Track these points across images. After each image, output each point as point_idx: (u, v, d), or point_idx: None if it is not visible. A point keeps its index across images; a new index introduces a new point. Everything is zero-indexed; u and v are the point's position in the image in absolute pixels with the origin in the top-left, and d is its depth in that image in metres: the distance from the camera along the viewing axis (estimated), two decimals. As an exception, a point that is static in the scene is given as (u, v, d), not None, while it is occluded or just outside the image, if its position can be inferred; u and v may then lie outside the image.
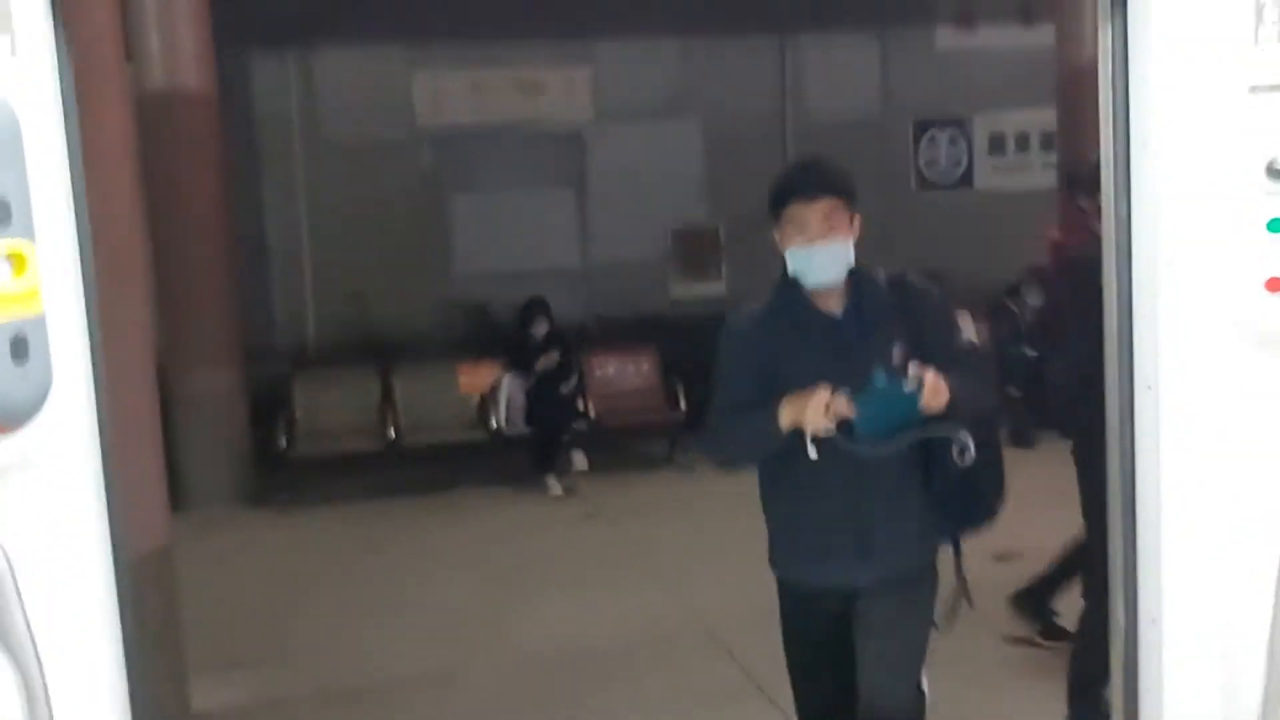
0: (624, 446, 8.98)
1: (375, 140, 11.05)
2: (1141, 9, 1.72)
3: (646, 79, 11.82)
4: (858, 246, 2.71)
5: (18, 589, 1.35)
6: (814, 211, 2.60)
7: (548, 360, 8.39)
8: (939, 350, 2.63)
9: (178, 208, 7.42)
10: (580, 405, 8.74)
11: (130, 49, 6.76)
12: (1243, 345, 1.76)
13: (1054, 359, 3.53)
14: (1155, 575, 1.84)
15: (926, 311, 2.72)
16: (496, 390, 8.50)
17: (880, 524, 2.68)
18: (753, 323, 2.74)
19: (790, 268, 2.68)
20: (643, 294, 11.80)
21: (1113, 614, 1.94)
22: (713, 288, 12.25)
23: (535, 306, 8.59)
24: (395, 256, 11.03)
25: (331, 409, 8.61)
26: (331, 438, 8.38)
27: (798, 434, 2.55)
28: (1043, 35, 11.93)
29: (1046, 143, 12.74)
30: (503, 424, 8.46)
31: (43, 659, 1.43)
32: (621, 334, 10.89)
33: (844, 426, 2.49)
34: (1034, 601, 4.56)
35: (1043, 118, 12.37)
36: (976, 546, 2.83)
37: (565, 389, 8.55)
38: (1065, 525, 4.10)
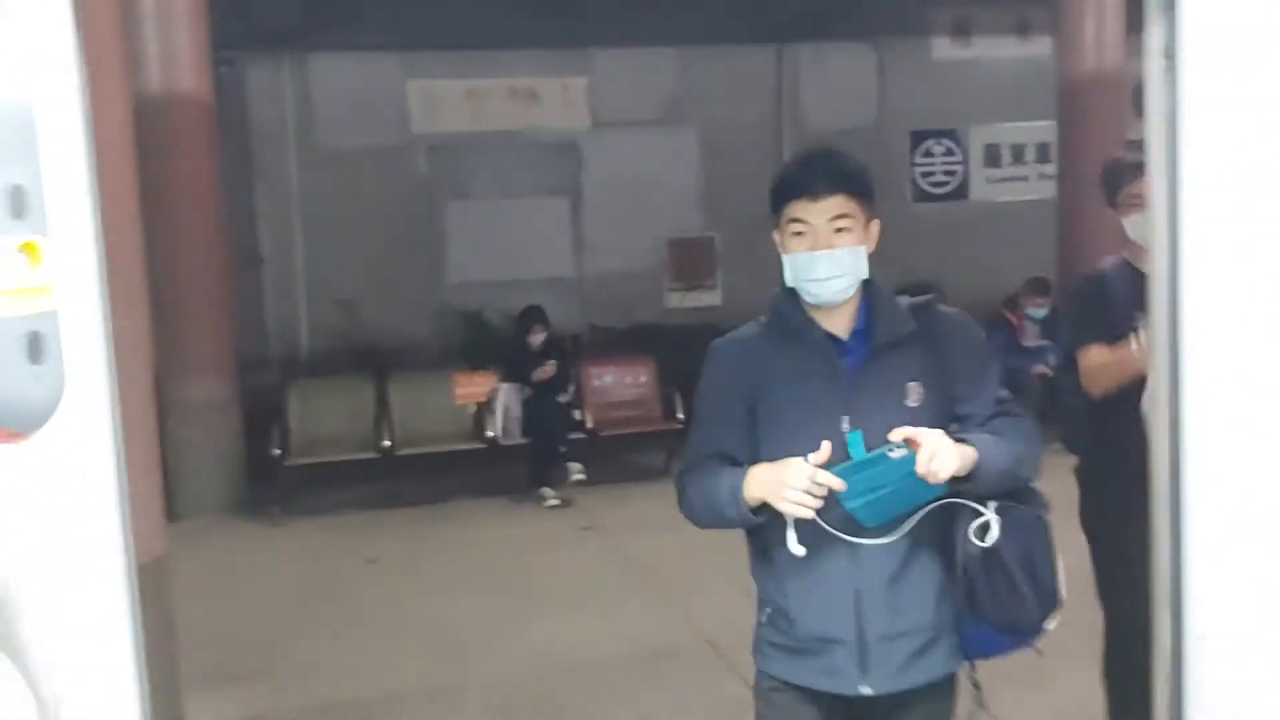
0: (621, 457, 8.91)
1: (370, 147, 11.01)
2: (1195, 5, 1.67)
3: (642, 88, 11.81)
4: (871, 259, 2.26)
5: (32, 604, 1.28)
6: (820, 211, 2.17)
7: (545, 370, 8.32)
8: (967, 397, 2.21)
9: (172, 213, 7.33)
10: (577, 415, 8.67)
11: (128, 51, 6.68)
12: (1294, 354, 1.71)
13: (1069, 374, 3.45)
14: (1206, 591, 1.78)
15: (955, 347, 2.25)
16: (493, 400, 8.42)
17: (883, 622, 2.18)
18: (742, 347, 2.31)
19: (789, 277, 2.23)
20: (637, 303, 11.76)
21: (1157, 629, 1.88)
22: (708, 297, 12.23)
23: (532, 315, 8.52)
24: (389, 264, 10.98)
25: (326, 418, 8.52)
26: (326, 447, 8.29)
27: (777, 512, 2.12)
28: (1039, 48, 11.97)
29: (1042, 155, 12.78)
30: (499, 434, 8.38)
31: (52, 671, 1.35)
32: (616, 343, 10.84)
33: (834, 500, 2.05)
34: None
35: (1038, 130, 12.41)
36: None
37: (562, 399, 8.47)
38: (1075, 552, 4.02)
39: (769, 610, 2.29)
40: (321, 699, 4.81)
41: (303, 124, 11.03)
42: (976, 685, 2.31)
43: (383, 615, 5.85)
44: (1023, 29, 12.39)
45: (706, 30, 11.36)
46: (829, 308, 2.23)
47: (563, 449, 8.37)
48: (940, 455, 1.99)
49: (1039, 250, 10.12)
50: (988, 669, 2.33)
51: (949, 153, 12.95)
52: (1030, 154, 12.96)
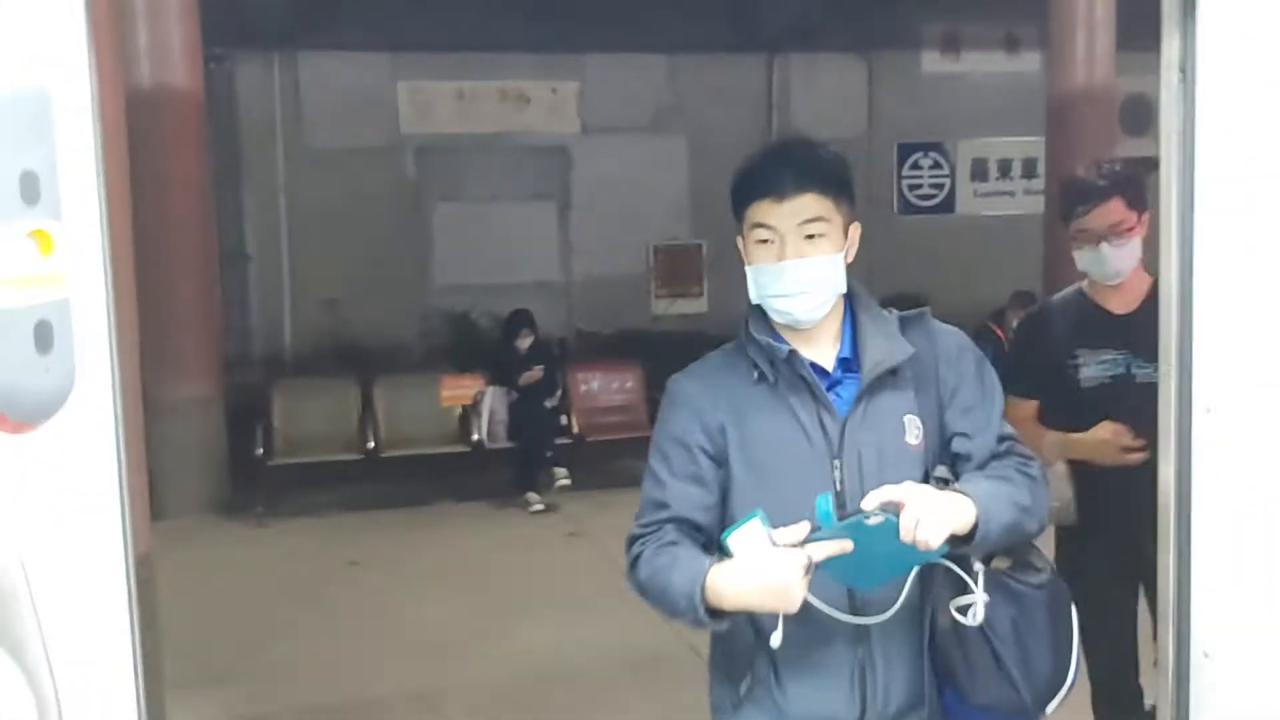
0: (606, 462, 8.88)
1: (359, 147, 10.96)
2: (1214, 17, 1.67)
3: (633, 94, 11.80)
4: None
5: (32, 597, 1.25)
6: (788, 214, 1.83)
7: (532, 374, 8.29)
8: (966, 433, 1.89)
9: (160, 208, 7.27)
10: (564, 420, 8.64)
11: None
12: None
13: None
14: (1211, 607, 1.78)
15: (954, 373, 1.91)
16: (479, 403, 8.38)
17: (892, 696, 1.87)
18: (706, 385, 1.92)
19: (753, 293, 1.90)
20: (624, 309, 11.74)
21: (1161, 647, 1.87)
22: (694, 305, 12.22)
23: (520, 319, 8.49)
24: (376, 265, 10.93)
25: (310, 418, 8.47)
26: (310, 447, 8.23)
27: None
28: (1027, 63, 12.03)
29: (1029, 170, 12.83)
30: (484, 437, 8.34)
31: (51, 666, 1.32)
32: (602, 349, 10.82)
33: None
34: None
35: (1025, 145, 12.47)
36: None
37: (549, 403, 8.45)
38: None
39: (746, 684, 1.91)
40: (302, 702, 4.77)
41: (292, 122, 10.98)
42: None
43: (365, 618, 5.80)
44: (1012, 44, 12.45)
45: (698, 38, 11.37)
46: (805, 331, 1.90)
47: (548, 454, 8.34)
48: (927, 522, 1.67)
49: (1025, 265, 10.15)
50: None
51: (936, 165, 12.99)
52: (1017, 169, 13.01)
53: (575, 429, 8.69)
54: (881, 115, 12.49)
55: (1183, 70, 1.73)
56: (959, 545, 1.75)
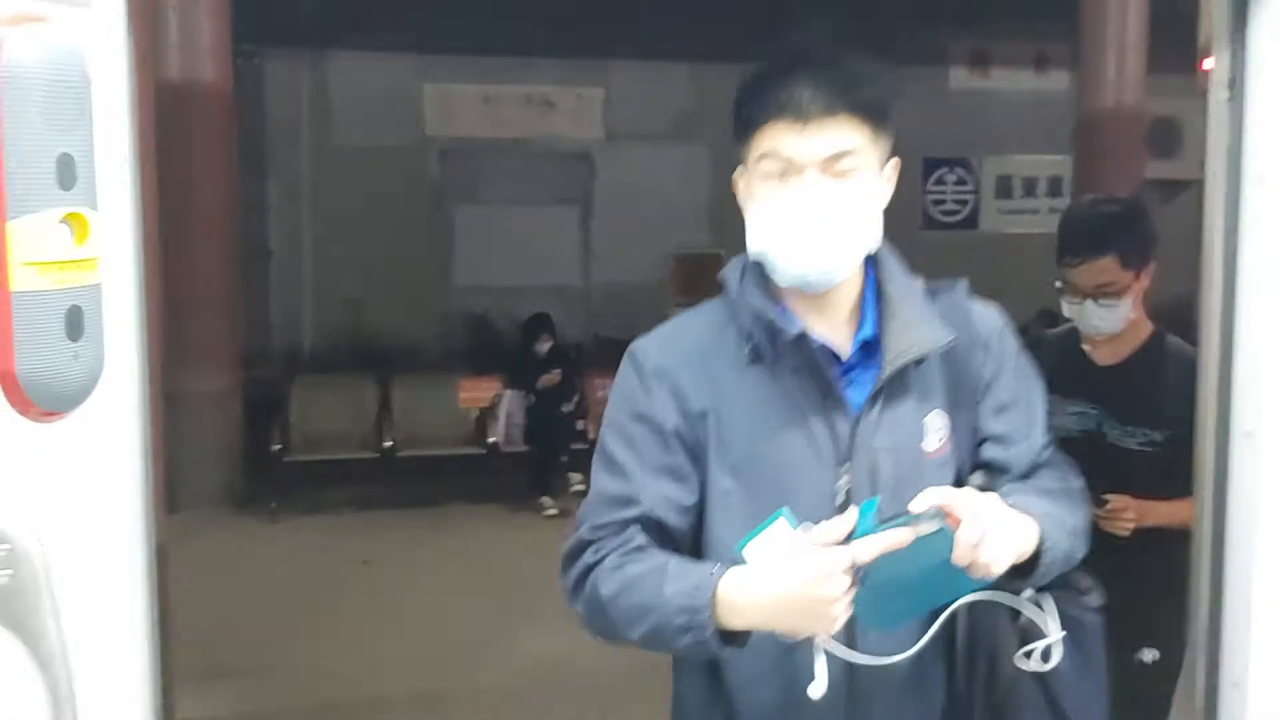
0: (620, 470, 8.87)
1: (383, 147, 10.97)
2: (1268, 33, 1.64)
3: (657, 102, 11.80)
4: None
5: (51, 587, 1.23)
6: (812, 145, 1.41)
7: (549, 378, 8.28)
8: (1004, 439, 1.55)
9: (185, 201, 7.29)
10: (580, 425, 8.62)
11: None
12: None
13: None
14: (1243, 636, 1.74)
15: (992, 361, 1.56)
16: (496, 406, 8.38)
17: None
18: (683, 356, 1.53)
19: (754, 245, 1.49)
20: (642, 316, 11.69)
21: (1193, 675, 1.84)
22: (712, 314, 12.20)
23: (539, 323, 8.49)
24: (397, 265, 10.94)
25: (327, 416, 8.48)
26: (326, 445, 8.25)
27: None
28: (1055, 81, 11.97)
29: (1054, 188, 12.77)
30: (501, 440, 8.34)
31: (67, 655, 1.31)
32: (620, 355, 10.79)
33: None
34: None
35: (1051, 164, 12.40)
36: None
37: (566, 408, 8.43)
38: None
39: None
40: (308, 699, 4.76)
41: (318, 120, 11.01)
42: None
43: (375, 617, 5.79)
44: (1041, 63, 12.39)
45: (723, 48, 11.33)
46: (817, 301, 1.49)
47: (564, 458, 8.32)
48: (994, 538, 1.32)
49: (1048, 284, 10.08)
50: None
51: (960, 181, 12.93)
52: (1042, 187, 12.95)
53: (591, 434, 8.66)
54: (907, 129, 12.34)
55: (1231, 87, 1.70)
56: (1010, 578, 1.40)
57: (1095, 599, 1.57)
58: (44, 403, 1.19)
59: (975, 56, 12.50)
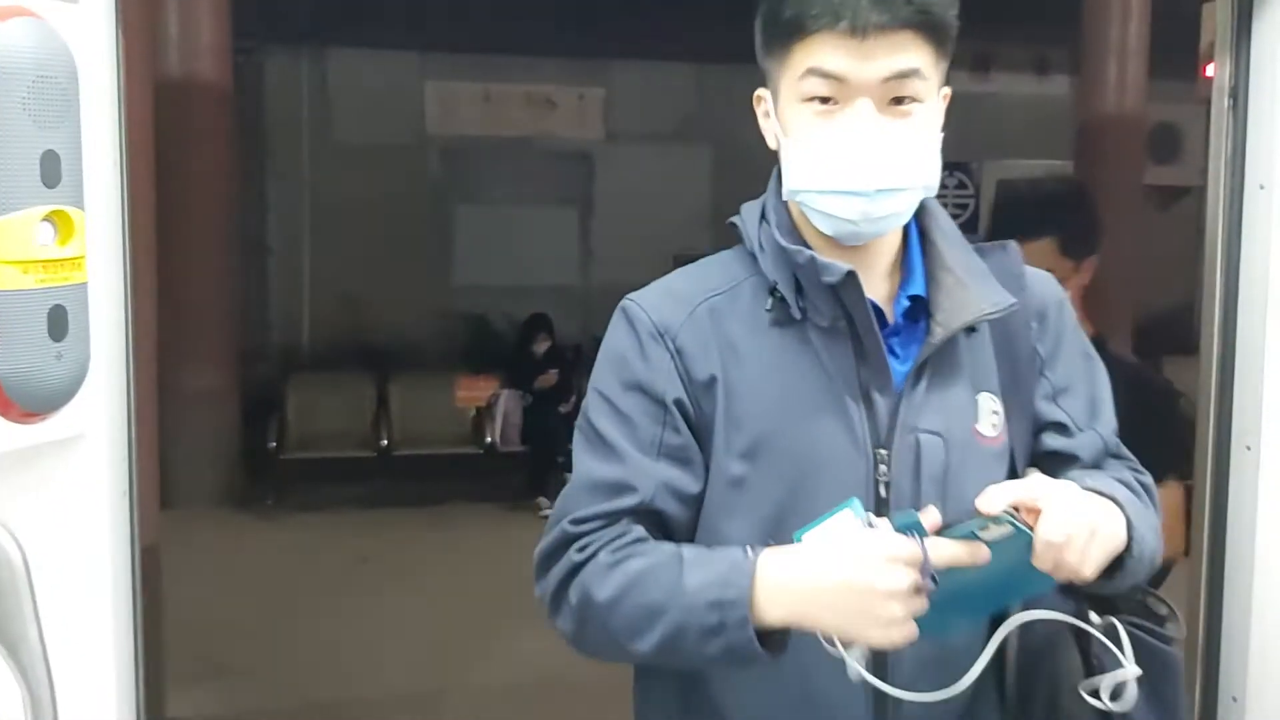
0: (617, 471, 8.86)
1: (383, 145, 10.94)
2: (1269, 42, 1.62)
3: (659, 103, 11.77)
4: None
5: (33, 591, 1.21)
6: (869, 64, 1.18)
7: (547, 377, 8.27)
8: (1069, 427, 1.32)
9: (184, 198, 7.27)
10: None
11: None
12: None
13: None
14: (1241, 650, 1.72)
15: (1049, 334, 1.33)
16: (494, 405, 8.36)
17: None
18: (684, 308, 1.28)
19: (792, 183, 1.25)
20: (641, 318, 11.70)
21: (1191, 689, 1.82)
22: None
23: (537, 323, 8.48)
24: (396, 263, 10.91)
25: (324, 414, 8.47)
26: (322, 443, 8.23)
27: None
28: (1056, 86, 11.94)
29: (1054, 193, 12.77)
30: (497, 440, 8.32)
31: (51, 666, 1.29)
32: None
33: None
34: None
35: (1052, 168, 12.38)
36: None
37: (563, 408, 8.42)
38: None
39: None
40: (303, 699, 4.75)
41: (318, 117, 10.99)
42: None
43: (370, 615, 5.77)
44: (1042, 67, 12.38)
45: (725, 49, 11.29)
46: (850, 247, 1.25)
47: (560, 459, 8.30)
48: (1080, 539, 1.10)
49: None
50: None
51: (961, 185, 12.91)
52: (1043, 192, 12.95)
53: (588, 435, 8.65)
54: (908, 133, 12.43)
55: (1233, 95, 1.69)
56: (1097, 581, 1.17)
57: (1175, 629, 1.33)
58: (25, 403, 1.17)
59: (976, 60, 12.48)
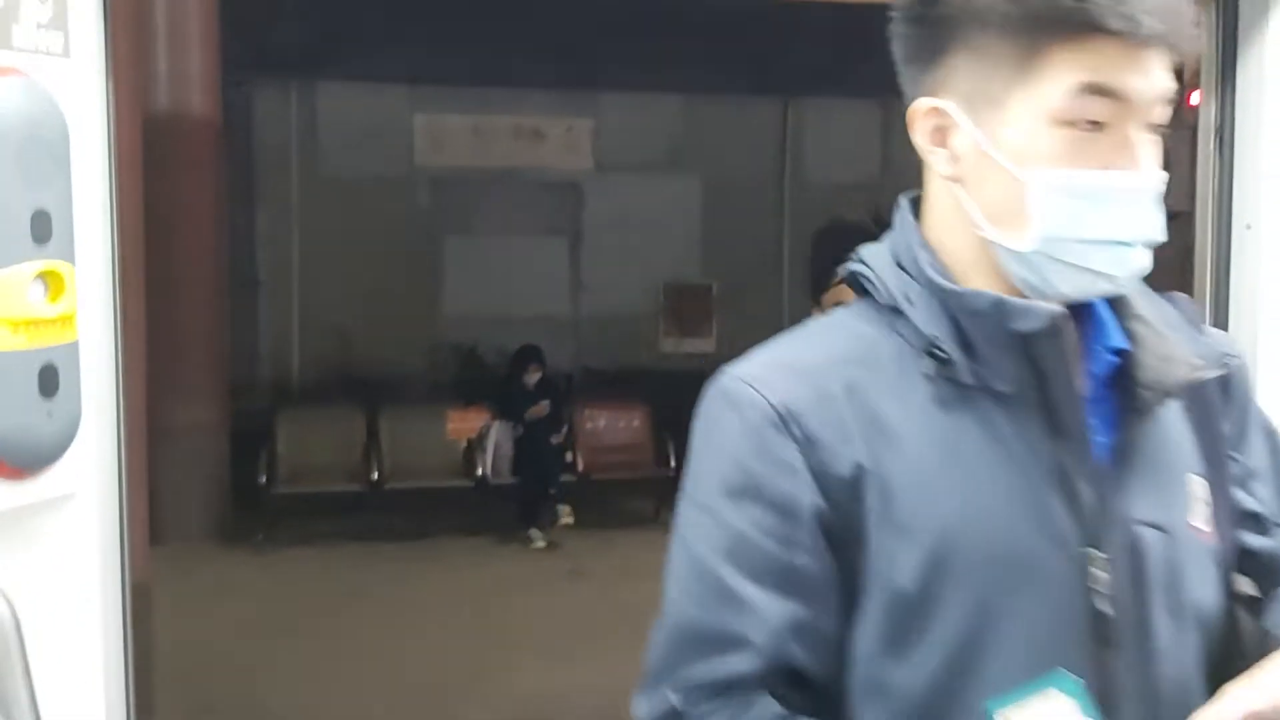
0: (610, 501, 8.82)
1: (373, 177, 10.98)
2: (1254, 83, 1.64)
3: (647, 133, 11.83)
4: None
5: (23, 649, 1.20)
6: (1151, 78, 0.94)
7: (538, 408, 8.26)
8: (1270, 515, 1.08)
9: (174, 233, 7.27)
10: (568, 457, 8.59)
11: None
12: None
13: None
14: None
15: (1235, 404, 1.09)
16: (484, 437, 8.34)
17: None
18: (813, 382, 0.98)
19: (1052, 229, 0.94)
20: (632, 347, 11.71)
21: None
22: (702, 344, 12.18)
23: (528, 354, 8.47)
24: (386, 295, 10.92)
25: (314, 447, 8.43)
26: (313, 477, 8.19)
27: None
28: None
29: (1041, 219, 12.83)
30: (488, 472, 8.29)
31: (36, 707, 1.27)
32: (609, 386, 10.78)
33: None
34: None
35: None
36: None
37: (554, 439, 8.40)
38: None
39: None
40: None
41: (307, 150, 11.02)
42: None
43: (362, 652, 5.73)
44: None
45: (713, 79, 11.41)
46: (1064, 321, 0.96)
47: (552, 490, 8.29)
48: None
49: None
50: None
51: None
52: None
53: (580, 466, 8.63)
54: (895, 160, 12.50)
55: (1219, 134, 1.70)
56: None
57: None
58: (15, 461, 1.17)
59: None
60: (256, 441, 8.33)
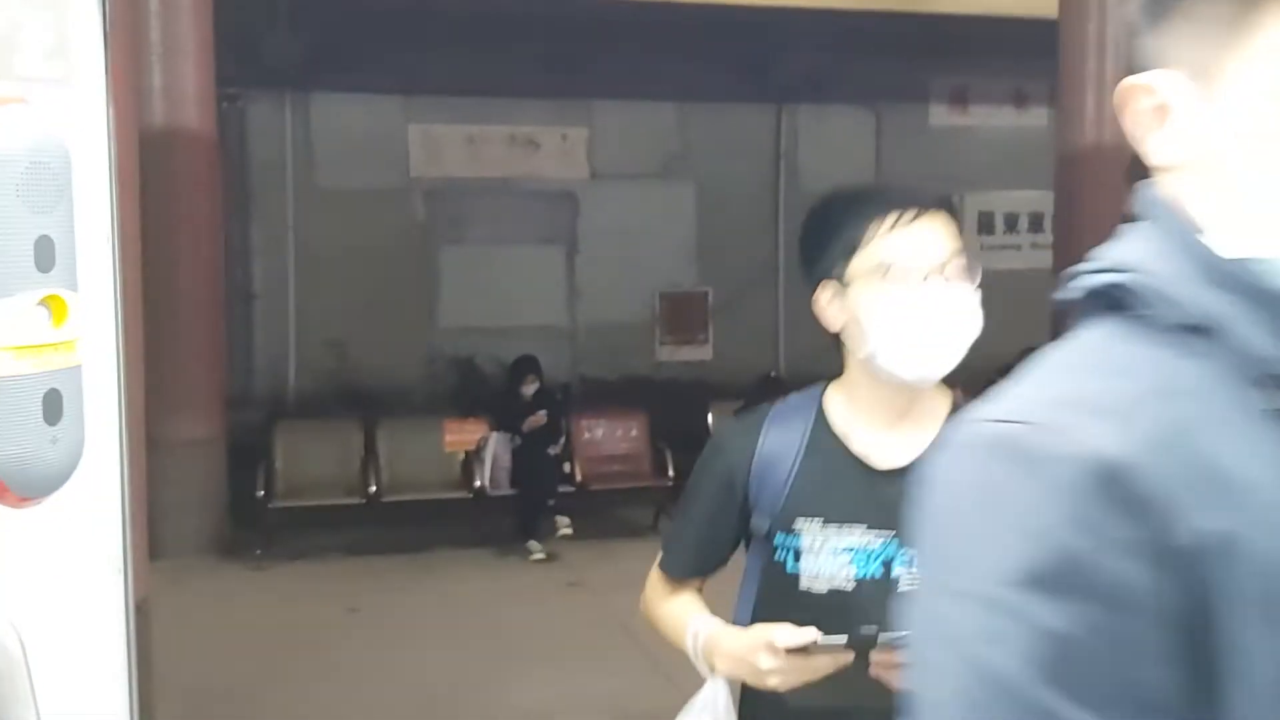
0: (609, 512, 8.82)
1: (368, 189, 10.98)
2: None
3: (642, 141, 11.86)
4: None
5: (31, 680, 1.21)
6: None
7: (536, 419, 8.26)
8: None
9: (170, 248, 7.27)
10: (567, 468, 8.59)
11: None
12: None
13: None
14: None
15: None
16: (482, 449, 8.34)
17: None
18: (1138, 432, 0.68)
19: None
20: (628, 355, 11.72)
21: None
22: (698, 352, 12.19)
23: (525, 365, 8.47)
24: (382, 307, 10.93)
25: (312, 461, 8.43)
26: (310, 490, 8.19)
27: None
28: (1035, 118, 12.08)
29: (1035, 224, 12.84)
30: (486, 484, 8.29)
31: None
32: (606, 395, 10.79)
33: None
34: None
35: (1032, 199, 12.48)
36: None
37: (553, 450, 8.40)
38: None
39: None
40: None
41: (302, 162, 11.02)
42: None
43: (361, 665, 5.73)
44: (1020, 100, 12.52)
45: (708, 87, 11.44)
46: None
47: (551, 501, 8.28)
48: None
49: (1032, 320, 10.13)
50: None
51: (940, 218, 13.01)
52: (1024, 223, 13.03)
53: (578, 477, 8.63)
54: (889, 167, 12.53)
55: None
56: None
57: None
58: (20, 489, 1.17)
59: (955, 93, 12.62)
60: (254, 455, 8.33)
